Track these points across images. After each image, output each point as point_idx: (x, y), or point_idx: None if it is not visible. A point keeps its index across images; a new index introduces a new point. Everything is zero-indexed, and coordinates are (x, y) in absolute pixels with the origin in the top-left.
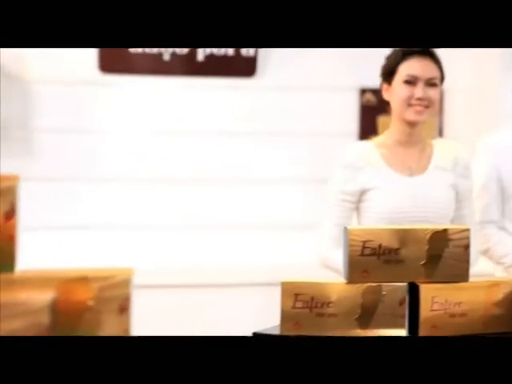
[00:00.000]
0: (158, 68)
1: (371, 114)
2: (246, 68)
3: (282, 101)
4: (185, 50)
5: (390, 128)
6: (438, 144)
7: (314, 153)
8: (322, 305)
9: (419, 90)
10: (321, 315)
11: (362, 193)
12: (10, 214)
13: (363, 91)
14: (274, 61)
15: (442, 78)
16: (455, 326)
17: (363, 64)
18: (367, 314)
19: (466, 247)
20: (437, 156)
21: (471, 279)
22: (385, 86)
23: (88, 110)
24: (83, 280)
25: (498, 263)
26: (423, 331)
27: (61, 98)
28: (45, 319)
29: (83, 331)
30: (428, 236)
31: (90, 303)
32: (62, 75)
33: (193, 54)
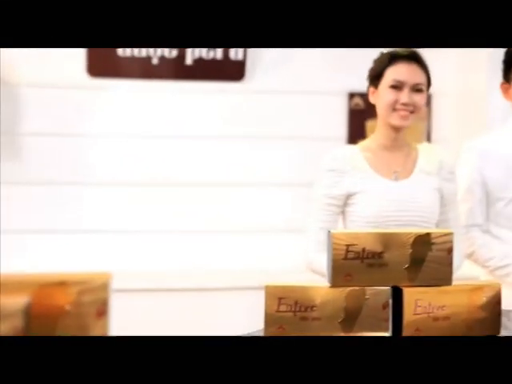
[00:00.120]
0: (146, 72)
1: (359, 118)
2: (235, 72)
3: (270, 105)
4: (173, 54)
5: (376, 132)
6: (422, 148)
7: (302, 156)
8: (306, 308)
9: (405, 95)
10: (304, 319)
11: (348, 197)
12: None
13: (351, 95)
14: (263, 65)
15: (429, 84)
16: (438, 329)
17: (351, 68)
18: (351, 317)
19: (449, 251)
20: (422, 160)
21: (456, 283)
22: (371, 89)
23: (76, 114)
24: (60, 284)
25: (483, 266)
26: (406, 334)
27: (49, 101)
28: (19, 323)
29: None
30: (411, 240)
31: (68, 308)
32: (50, 79)
33: (181, 58)
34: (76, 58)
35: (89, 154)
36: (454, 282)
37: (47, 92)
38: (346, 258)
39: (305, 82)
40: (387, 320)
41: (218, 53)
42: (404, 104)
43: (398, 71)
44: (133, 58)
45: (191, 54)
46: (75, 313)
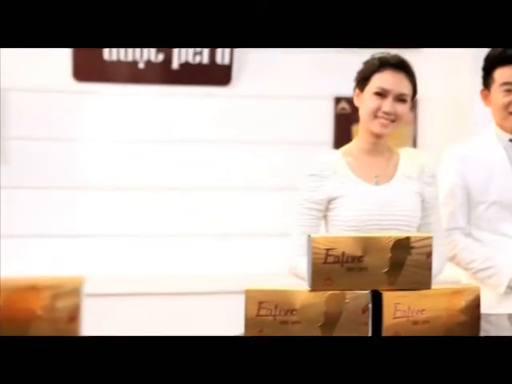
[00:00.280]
0: (132, 76)
1: (346, 123)
2: (221, 76)
3: (256, 109)
4: (160, 58)
5: (357, 137)
6: (404, 153)
7: (288, 161)
8: (286, 312)
9: (387, 104)
10: (284, 323)
11: (329, 201)
12: None
13: (338, 100)
14: (249, 69)
15: (414, 94)
16: (418, 332)
17: (338, 72)
18: (331, 321)
19: (429, 255)
20: (403, 164)
21: (435, 286)
22: (357, 91)
23: (62, 118)
24: (32, 289)
25: (465, 269)
26: None
27: (35, 106)
28: None
29: None
30: (391, 244)
31: (39, 312)
32: (35, 83)
33: (168, 63)
34: (62, 62)
35: (75, 158)
36: (434, 286)
37: (33, 96)
38: (325, 262)
39: (291, 87)
40: (367, 324)
41: (205, 57)
42: (386, 113)
43: (385, 79)
44: (119, 63)
45: (177, 59)
46: (47, 317)
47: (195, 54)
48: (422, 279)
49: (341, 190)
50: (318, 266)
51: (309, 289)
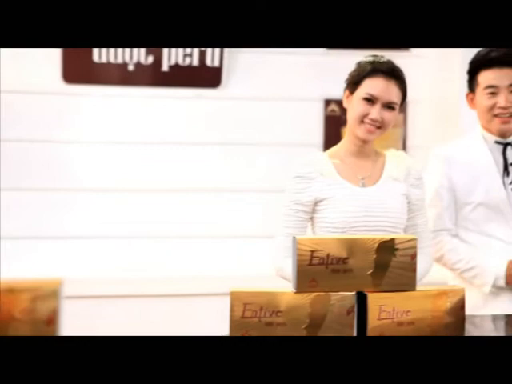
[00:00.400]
0: (122, 78)
1: (336, 125)
2: (211, 78)
3: (246, 111)
4: (149, 60)
5: (344, 139)
6: (390, 155)
7: (278, 163)
8: (271, 314)
9: (375, 111)
10: (270, 324)
11: (316, 203)
12: None
13: (328, 102)
14: (239, 71)
15: (403, 101)
16: (403, 334)
17: (328, 74)
18: (316, 322)
19: (413, 256)
20: (389, 167)
21: (420, 288)
22: (347, 93)
23: (51, 121)
24: (10, 292)
25: (452, 270)
26: None
27: (24, 108)
28: None
29: None
30: (375, 246)
31: (18, 315)
32: (25, 85)
33: (158, 65)
34: (52, 64)
35: (65, 160)
36: (419, 287)
37: (23, 98)
38: (310, 264)
39: (281, 89)
40: (352, 325)
41: (195, 59)
42: (372, 119)
43: (375, 85)
44: (109, 65)
45: (167, 61)
46: (25, 320)
47: (185, 55)
48: (406, 281)
49: (327, 192)
50: (302, 267)
51: (294, 290)
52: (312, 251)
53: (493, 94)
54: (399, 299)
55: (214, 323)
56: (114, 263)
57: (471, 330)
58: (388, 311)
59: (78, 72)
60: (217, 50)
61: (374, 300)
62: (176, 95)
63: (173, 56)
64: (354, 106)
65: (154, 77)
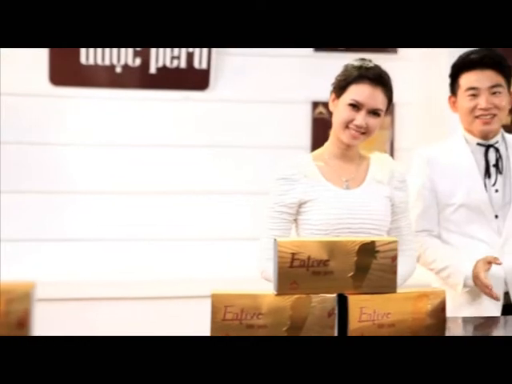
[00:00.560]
0: (110, 80)
1: (323, 127)
2: (199, 80)
3: (234, 113)
4: (137, 63)
5: (328, 141)
6: (374, 158)
7: (266, 165)
8: (252, 316)
9: (360, 117)
10: (250, 327)
11: (300, 205)
12: None
13: (315, 104)
14: (227, 74)
15: (389, 107)
16: (384, 335)
17: (315, 77)
18: (297, 325)
19: (394, 259)
20: (373, 169)
21: (403, 289)
22: (333, 96)
23: (38, 123)
24: None
25: (429, 269)
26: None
27: (12, 110)
28: None
29: None
30: (356, 248)
31: None
32: (12, 87)
33: (145, 67)
34: (38, 66)
35: (52, 162)
36: (400, 289)
37: (10, 100)
38: (291, 266)
39: (269, 91)
40: (333, 327)
41: (182, 61)
42: (357, 126)
43: (360, 92)
44: (96, 67)
45: (155, 63)
46: None
47: (173, 58)
48: (387, 283)
49: (311, 194)
50: (283, 269)
51: (275, 293)
52: (293, 253)
53: (474, 95)
54: (380, 301)
55: (203, 326)
56: (101, 265)
57: (452, 332)
58: (369, 313)
59: (65, 74)
60: (204, 53)
61: (355, 302)
62: (164, 97)
63: (160, 58)
64: (340, 111)
65: (141, 79)
